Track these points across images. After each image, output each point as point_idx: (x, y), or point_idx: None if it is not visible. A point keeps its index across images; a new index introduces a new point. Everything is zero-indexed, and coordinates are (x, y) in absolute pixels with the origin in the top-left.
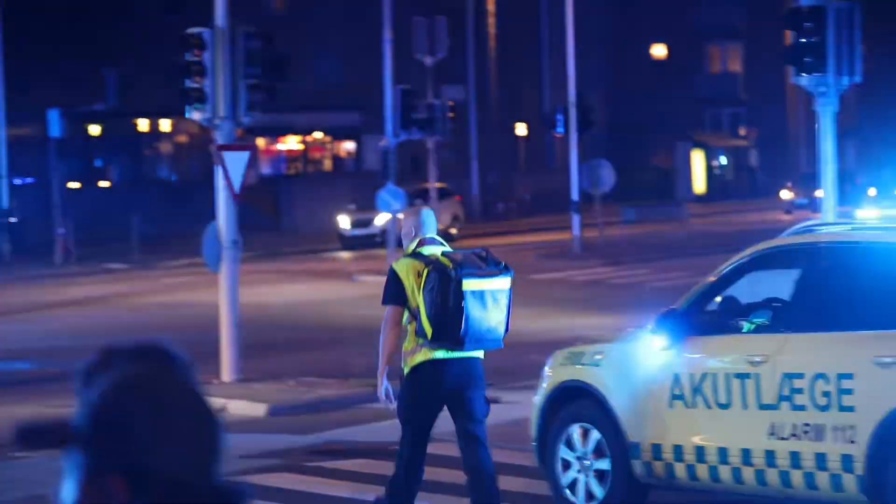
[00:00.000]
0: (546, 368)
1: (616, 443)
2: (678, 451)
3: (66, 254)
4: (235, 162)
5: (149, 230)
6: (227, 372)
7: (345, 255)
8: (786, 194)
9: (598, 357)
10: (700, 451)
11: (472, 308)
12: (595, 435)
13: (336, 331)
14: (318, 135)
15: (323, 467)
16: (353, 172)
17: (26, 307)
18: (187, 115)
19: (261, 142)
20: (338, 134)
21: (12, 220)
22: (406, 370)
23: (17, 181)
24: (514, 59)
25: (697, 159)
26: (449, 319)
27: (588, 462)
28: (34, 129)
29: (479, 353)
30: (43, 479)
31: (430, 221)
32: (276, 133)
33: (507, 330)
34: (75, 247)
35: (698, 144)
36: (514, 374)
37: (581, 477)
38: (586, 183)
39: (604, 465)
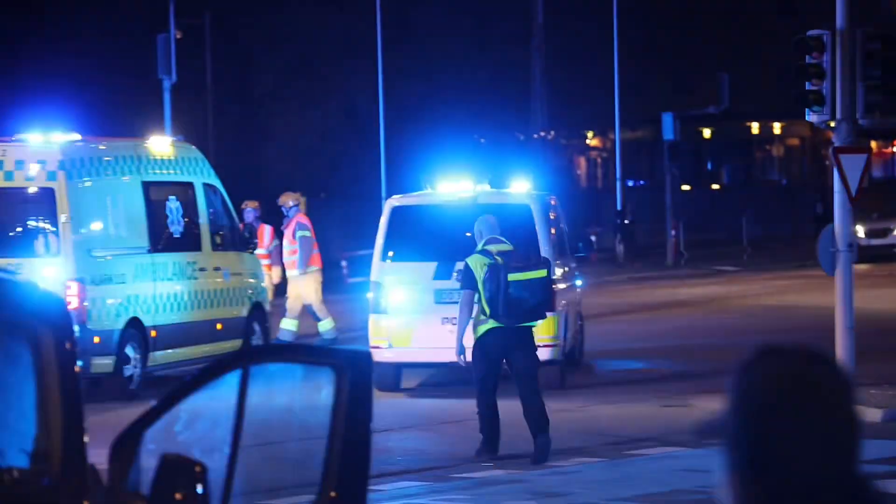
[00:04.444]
0: None
1: None
2: None
3: (677, 255)
4: (852, 164)
5: (758, 232)
6: None
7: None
8: None
9: None
10: None
11: (516, 293)
12: None
13: None
14: None
15: None
16: None
17: (638, 307)
18: (808, 118)
19: (874, 144)
20: None
21: (626, 221)
22: (475, 336)
23: (631, 183)
24: None
25: None
26: (499, 301)
27: None
28: (648, 132)
29: (530, 324)
30: (658, 478)
31: (494, 225)
32: (890, 136)
33: (547, 307)
34: (686, 248)
35: None
36: None
37: None
38: None
39: None
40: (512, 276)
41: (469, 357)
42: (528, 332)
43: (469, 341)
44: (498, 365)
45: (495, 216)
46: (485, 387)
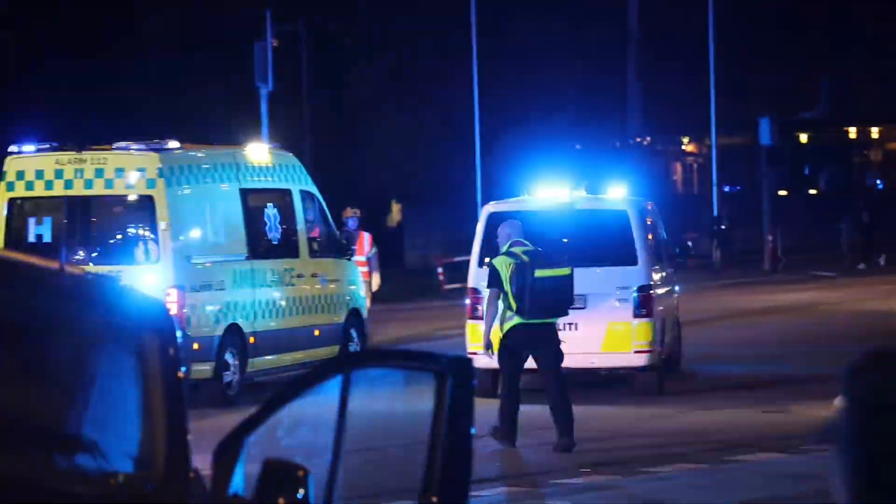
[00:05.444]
0: None
1: None
2: None
3: (774, 261)
4: None
5: (858, 237)
6: None
7: None
8: None
9: None
10: None
11: (541, 289)
12: None
13: None
14: None
15: None
16: None
17: (736, 313)
18: None
19: None
20: None
21: (723, 227)
22: (502, 332)
23: (727, 189)
24: None
25: None
26: (526, 296)
27: None
28: (744, 137)
29: (552, 320)
30: (758, 483)
31: (520, 230)
32: None
33: (570, 304)
34: (783, 254)
35: None
36: None
37: None
38: None
39: None
40: (538, 273)
41: (496, 352)
42: (552, 328)
43: (492, 339)
44: (523, 360)
45: (591, 221)
46: (512, 380)
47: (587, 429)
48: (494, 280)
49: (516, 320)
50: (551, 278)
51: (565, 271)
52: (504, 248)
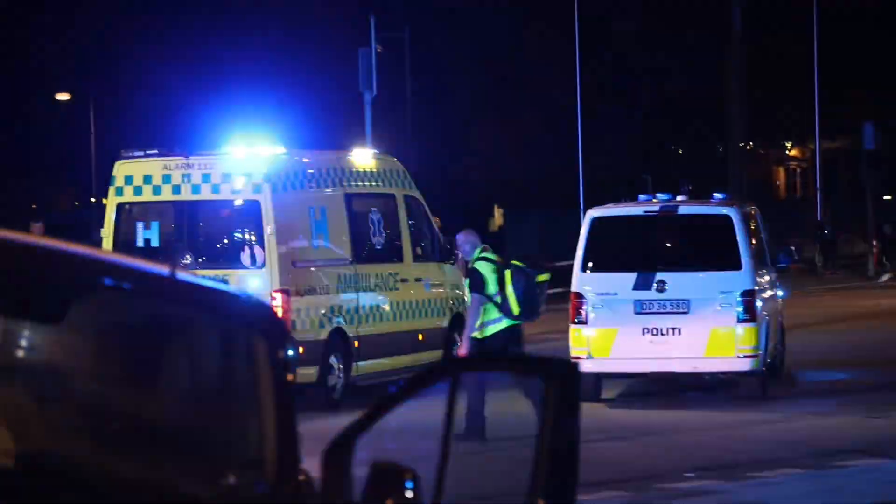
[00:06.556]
0: None
1: None
2: None
3: (878, 265)
4: None
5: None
6: None
7: None
8: None
9: None
10: None
11: (539, 293)
12: None
13: None
14: None
15: None
16: None
17: (839, 317)
18: None
19: None
20: None
21: (826, 231)
22: (485, 334)
23: (830, 193)
24: None
25: None
26: (528, 300)
27: None
28: (848, 141)
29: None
30: (863, 490)
31: (478, 237)
32: None
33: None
34: (888, 258)
35: None
36: None
37: None
38: None
39: None
40: (540, 278)
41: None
42: (522, 328)
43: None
44: None
45: (694, 226)
46: (482, 380)
47: (691, 433)
48: (479, 285)
49: (505, 323)
50: (543, 283)
51: (548, 276)
52: (477, 254)
